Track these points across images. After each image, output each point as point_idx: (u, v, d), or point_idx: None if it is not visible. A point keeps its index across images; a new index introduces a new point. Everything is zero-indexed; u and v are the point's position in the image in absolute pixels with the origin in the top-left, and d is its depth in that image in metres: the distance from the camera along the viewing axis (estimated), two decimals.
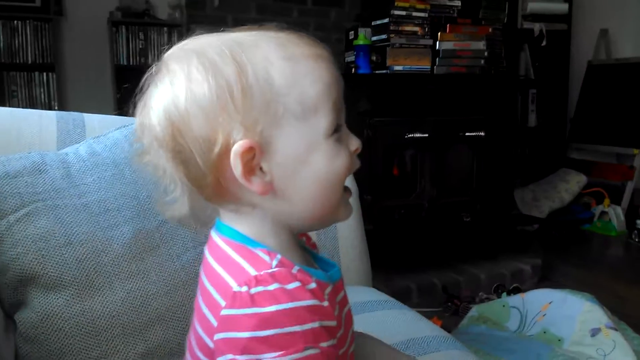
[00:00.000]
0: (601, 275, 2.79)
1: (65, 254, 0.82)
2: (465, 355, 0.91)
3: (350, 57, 2.76)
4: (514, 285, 2.53)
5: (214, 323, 0.52)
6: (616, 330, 1.76)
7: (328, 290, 0.55)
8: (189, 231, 0.94)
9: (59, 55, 3.32)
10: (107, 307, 0.83)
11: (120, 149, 0.96)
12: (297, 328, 0.48)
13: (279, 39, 0.55)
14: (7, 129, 1.00)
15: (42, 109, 3.15)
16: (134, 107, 0.57)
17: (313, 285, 0.51)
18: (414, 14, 2.64)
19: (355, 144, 0.57)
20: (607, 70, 3.91)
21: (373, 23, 2.71)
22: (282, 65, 0.53)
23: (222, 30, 0.57)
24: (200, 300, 0.57)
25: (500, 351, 1.74)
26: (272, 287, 0.49)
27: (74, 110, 1.17)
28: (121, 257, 0.86)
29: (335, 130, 0.55)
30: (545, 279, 2.77)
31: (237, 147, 0.51)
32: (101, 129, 1.05)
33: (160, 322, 0.86)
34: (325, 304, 0.51)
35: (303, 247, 0.62)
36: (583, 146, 3.94)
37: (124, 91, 3.33)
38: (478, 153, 2.77)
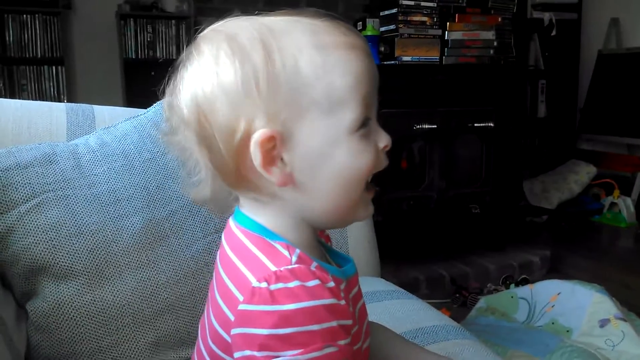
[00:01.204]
0: (610, 266, 2.77)
1: (76, 243, 0.83)
2: (474, 344, 0.92)
3: None
4: (523, 276, 2.52)
5: (231, 317, 0.51)
6: (625, 321, 1.76)
7: (342, 286, 0.55)
8: (198, 221, 0.94)
9: (67, 48, 3.34)
10: (117, 297, 0.83)
11: (130, 140, 0.97)
12: (316, 327, 0.47)
13: (312, 26, 0.53)
14: (18, 120, 1.01)
15: (51, 102, 3.17)
16: (165, 87, 0.56)
17: (332, 283, 0.50)
18: (423, 3, 2.62)
19: (384, 140, 0.55)
20: (618, 60, 3.88)
21: (381, 13, 2.69)
22: (312, 54, 0.51)
23: (258, 14, 0.56)
24: (215, 291, 0.56)
25: (508, 342, 1.74)
26: (293, 284, 0.48)
27: (83, 103, 1.18)
28: (131, 246, 0.87)
29: (363, 125, 0.53)
30: (554, 270, 2.76)
31: (258, 135, 0.50)
32: (111, 120, 1.06)
33: (170, 311, 0.87)
34: (343, 302, 0.50)
35: (318, 240, 0.61)
36: (593, 137, 3.92)
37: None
38: (487, 144, 2.76)
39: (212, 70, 0.51)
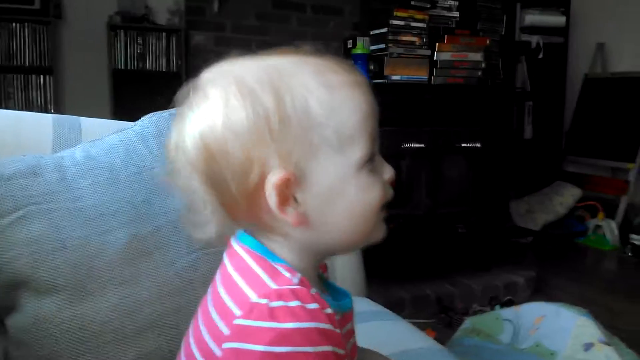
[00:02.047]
0: (595, 289, 2.79)
1: (59, 258, 0.81)
2: None
3: None
4: (508, 297, 2.53)
5: (225, 331, 0.51)
6: (609, 345, 1.76)
7: (336, 318, 0.54)
8: (184, 237, 0.93)
9: (56, 58, 3.32)
10: (99, 313, 0.82)
11: (116, 154, 0.96)
12: (311, 349, 0.47)
13: (317, 66, 0.54)
14: (2, 130, 1.00)
15: (38, 112, 3.14)
16: (169, 127, 0.56)
17: (329, 310, 0.51)
18: (413, 24, 2.65)
19: (388, 172, 0.57)
20: (603, 84, 3.94)
21: (371, 32, 2.72)
22: (320, 94, 0.52)
23: (258, 54, 0.56)
24: (210, 305, 0.56)
25: None
26: (293, 303, 0.49)
27: (70, 114, 1.16)
28: (115, 262, 0.85)
29: (370, 160, 0.54)
30: (539, 292, 2.77)
31: (273, 177, 0.50)
32: (98, 133, 1.05)
33: (152, 328, 0.85)
34: (338, 331, 0.51)
35: (318, 274, 0.61)
36: (578, 159, 3.96)
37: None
38: (474, 164, 2.78)
39: (221, 112, 0.52)
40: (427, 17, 2.68)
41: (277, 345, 0.47)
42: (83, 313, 0.81)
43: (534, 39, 3.78)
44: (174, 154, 0.55)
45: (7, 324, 0.80)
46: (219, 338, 0.52)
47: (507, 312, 2.05)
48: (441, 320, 2.33)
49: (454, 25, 2.76)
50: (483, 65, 2.76)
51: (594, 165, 3.88)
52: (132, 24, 3.39)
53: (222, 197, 0.53)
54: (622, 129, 3.66)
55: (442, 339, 2.06)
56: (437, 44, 2.67)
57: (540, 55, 3.79)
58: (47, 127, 1.06)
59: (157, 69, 3.45)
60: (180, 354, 0.62)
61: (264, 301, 0.49)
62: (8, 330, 0.80)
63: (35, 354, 0.78)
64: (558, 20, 3.86)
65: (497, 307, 2.37)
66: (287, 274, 0.52)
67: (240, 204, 0.52)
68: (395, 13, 2.60)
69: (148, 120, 1.04)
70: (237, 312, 0.51)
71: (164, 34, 3.46)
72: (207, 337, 0.54)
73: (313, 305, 0.49)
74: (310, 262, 0.57)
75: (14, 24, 3.16)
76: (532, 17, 3.76)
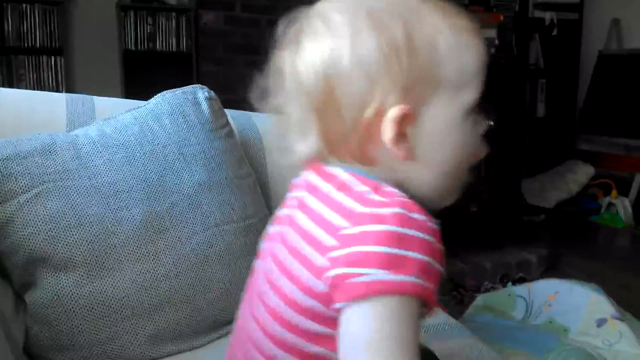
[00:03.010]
0: (607, 266, 2.78)
1: (76, 235, 0.82)
2: (475, 343, 0.91)
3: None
4: (520, 275, 2.53)
5: (331, 242, 0.49)
6: (622, 320, 1.76)
7: None
8: (199, 214, 0.94)
9: (67, 39, 3.32)
10: (116, 289, 0.83)
11: (131, 132, 0.96)
12: (418, 256, 0.47)
13: (441, 7, 0.54)
14: (17, 110, 1.00)
15: (51, 92, 3.16)
16: (271, 48, 0.56)
17: (434, 225, 0.51)
18: None
19: (483, 126, 0.57)
20: (618, 61, 3.87)
21: None
22: (447, 33, 0.52)
23: None
24: (296, 242, 0.54)
25: (505, 340, 1.74)
26: (399, 209, 0.49)
27: (82, 94, 1.16)
28: (131, 238, 0.86)
29: (474, 108, 0.55)
30: (551, 269, 2.76)
31: (395, 111, 0.50)
32: (111, 112, 1.05)
33: (169, 304, 0.86)
34: (440, 247, 0.51)
35: None
36: (592, 137, 3.92)
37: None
38: (486, 142, 2.76)
39: (349, 41, 0.51)
40: None
41: (384, 246, 0.46)
42: (101, 289, 0.82)
43: (548, 16, 3.72)
44: (281, 77, 0.55)
45: (27, 300, 0.82)
46: (325, 250, 0.50)
47: (520, 289, 2.05)
48: (453, 297, 2.34)
49: (467, 2, 2.72)
50: (497, 42, 2.72)
51: (608, 143, 3.83)
52: (142, 4, 3.38)
53: (328, 127, 0.53)
54: (637, 106, 3.61)
55: (453, 316, 2.06)
56: None
57: (554, 32, 3.74)
58: (61, 106, 1.06)
59: (168, 49, 3.44)
60: (239, 334, 0.61)
61: (368, 210, 0.49)
62: (28, 307, 0.81)
63: (55, 329, 0.80)
64: None
65: (509, 284, 2.37)
66: (394, 190, 0.52)
67: (349, 136, 0.52)
68: None
69: (161, 99, 1.04)
70: (344, 224, 0.50)
71: (173, 13, 3.44)
72: (301, 273, 0.52)
73: (418, 216, 0.49)
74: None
75: (24, 5, 3.15)
76: None
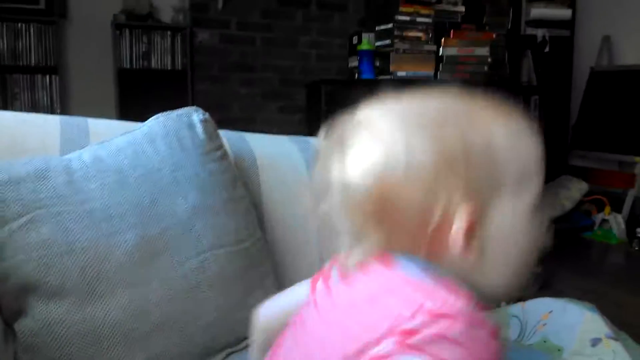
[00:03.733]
0: (602, 283, 2.78)
1: (67, 261, 0.82)
2: None
3: (353, 62, 2.76)
4: None
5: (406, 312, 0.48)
6: (617, 340, 1.75)
7: None
8: (192, 238, 0.94)
9: (62, 58, 3.33)
10: (108, 315, 0.82)
11: (124, 155, 0.96)
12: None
13: (491, 109, 0.54)
14: (11, 133, 1.00)
15: (44, 111, 3.16)
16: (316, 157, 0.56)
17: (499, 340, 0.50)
18: (418, 19, 2.64)
19: (547, 218, 0.56)
20: (610, 77, 3.91)
21: (377, 28, 2.71)
22: (504, 134, 0.52)
23: (416, 95, 0.56)
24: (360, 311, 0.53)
25: None
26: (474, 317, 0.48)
27: (76, 113, 1.17)
28: (124, 264, 0.86)
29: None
30: (546, 287, 2.76)
31: (462, 223, 0.50)
32: (105, 134, 1.05)
33: (161, 330, 0.86)
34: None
35: None
36: (585, 153, 3.94)
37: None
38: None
39: (403, 150, 0.50)
40: (432, 12, 2.67)
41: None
42: (92, 316, 0.81)
43: (540, 33, 3.75)
44: (331, 189, 0.54)
45: (16, 329, 0.81)
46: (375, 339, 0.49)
47: (514, 309, 2.04)
48: None
49: (459, 20, 2.75)
50: (489, 60, 2.75)
51: (601, 159, 3.85)
52: (136, 23, 3.39)
53: (391, 234, 0.52)
54: (629, 122, 3.64)
55: None
56: (442, 39, 2.66)
57: (546, 49, 3.77)
58: (54, 129, 1.06)
59: (163, 67, 3.45)
60: None
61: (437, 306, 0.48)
62: (17, 335, 0.80)
63: (45, 357, 0.79)
64: (564, 13, 3.83)
65: (504, 303, 2.37)
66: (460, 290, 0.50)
67: (415, 241, 0.51)
68: (400, 8, 2.59)
69: (156, 122, 1.04)
70: (406, 313, 0.48)
71: (168, 32, 3.46)
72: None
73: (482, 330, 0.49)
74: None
75: (19, 24, 3.17)
76: (538, 11, 3.73)
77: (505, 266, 0.54)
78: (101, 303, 0.82)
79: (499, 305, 2.27)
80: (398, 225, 0.51)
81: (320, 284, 0.60)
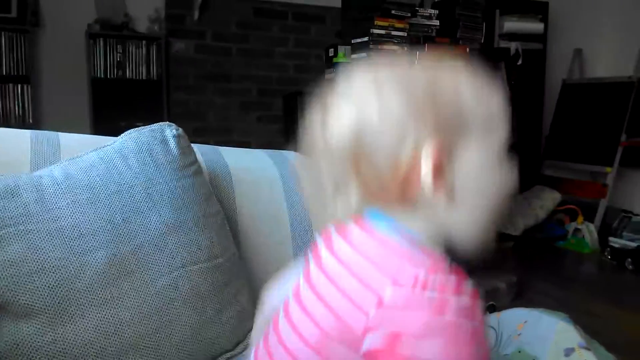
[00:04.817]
0: (575, 292, 2.82)
1: (37, 280, 0.80)
2: None
3: (330, 74, 2.77)
4: (490, 303, 2.54)
5: (374, 300, 0.52)
6: (589, 350, 1.78)
7: None
8: (165, 255, 0.93)
9: (34, 67, 3.28)
10: (79, 335, 0.81)
11: (96, 172, 0.95)
12: (467, 322, 0.51)
13: (456, 66, 0.58)
14: None
15: (16, 121, 3.10)
16: (303, 119, 0.60)
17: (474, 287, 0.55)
18: (393, 32, 2.66)
19: (514, 166, 0.60)
20: (581, 89, 3.99)
21: (353, 41, 2.72)
22: (469, 83, 0.57)
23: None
24: (339, 284, 0.57)
25: None
26: (450, 278, 0.53)
27: (49, 123, 1.15)
28: (95, 283, 0.84)
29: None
30: (520, 297, 2.79)
31: (428, 152, 0.54)
32: (77, 149, 1.04)
33: (134, 349, 0.85)
34: None
35: None
36: (557, 163, 4.01)
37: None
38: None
39: (376, 101, 0.55)
40: (407, 25, 2.69)
41: (439, 315, 0.50)
42: (63, 336, 0.80)
43: (513, 46, 3.82)
44: (317, 142, 0.59)
45: None
46: (369, 303, 0.53)
47: (490, 319, 2.06)
48: None
49: (434, 34, 2.78)
50: None
51: (573, 169, 3.93)
52: (111, 32, 3.37)
53: (367, 180, 0.56)
54: (600, 133, 3.72)
55: None
56: (417, 52, 2.68)
57: (519, 62, 3.84)
58: (25, 144, 1.05)
59: (137, 77, 3.43)
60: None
61: (422, 274, 0.52)
62: None
63: None
64: (536, 27, 3.91)
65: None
66: (437, 254, 0.56)
67: (388, 184, 0.55)
68: (375, 22, 2.61)
69: (128, 137, 1.03)
70: (388, 282, 0.52)
71: (144, 41, 3.44)
72: (348, 303, 0.55)
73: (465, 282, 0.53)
74: (441, 246, 0.59)
75: None
76: (511, 24, 3.80)
77: (475, 210, 0.58)
78: (72, 323, 0.81)
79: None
80: (374, 172, 0.55)
81: (311, 257, 0.63)
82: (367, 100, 0.56)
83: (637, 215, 3.56)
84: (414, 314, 0.50)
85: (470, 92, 0.56)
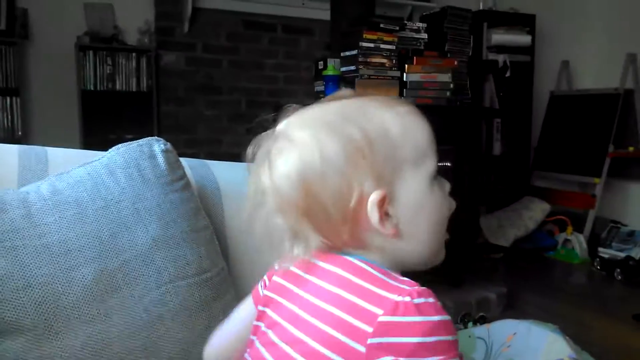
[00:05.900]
0: (565, 303, 2.83)
1: (24, 297, 0.80)
2: None
3: (319, 87, 2.79)
4: (480, 314, 2.55)
5: (368, 329, 0.55)
6: None
7: None
8: (153, 271, 0.92)
9: (23, 79, 3.27)
10: (66, 352, 0.80)
11: (83, 187, 0.95)
12: (451, 337, 0.54)
13: (379, 101, 0.63)
14: None
15: (5, 134, 3.09)
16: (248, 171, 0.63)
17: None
18: (382, 46, 2.68)
19: (448, 185, 0.66)
20: (569, 101, 4.03)
21: (342, 54, 2.74)
22: (394, 120, 0.61)
23: (319, 102, 0.65)
24: (328, 307, 0.59)
25: None
26: (431, 299, 0.55)
27: (38, 136, 1.15)
28: (82, 299, 0.84)
29: (436, 174, 0.63)
30: (511, 307, 2.80)
31: (374, 196, 0.58)
32: (65, 164, 1.03)
33: None
34: None
35: None
36: (546, 174, 4.04)
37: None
38: (452, 197, 2.80)
39: (316, 149, 0.59)
40: (396, 39, 2.71)
41: (429, 336, 0.53)
42: (50, 353, 0.79)
43: (501, 58, 3.86)
44: (261, 197, 0.62)
45: None
46: (360, 336, 0.55)
47: (479, 330, 2.06)
48: None
49: (422, 47, 2.80)
50: (452, 85, 2.80)
51: (562, 180, 3.95)
52: (101, 44, 3.37)
53: (320, 226, 0.59)
54: (588, 144, 3.75)
55: None
56: (406, 65, 2.70)
57: (508, 74, 3.87)
58: (12, 159, 1.05)
59: (127, 89, 3.43)
60: None
61: (407, 299, 0.55)
62: None
63: None
64: (524, 39, 3.95)
65: (470, 324, 2.39)
66: (406, 279, 0.59)
67: (341, 228, 0.59)
68: (364, 35, 2.63)
69: (115, 152, 1.03)
70: (378, 311, 0.55)
71: (133, 54, 3.44)
72: (339, 336, 0.57)
73: (439, 302, 0.56)
74: (399, 270, 0.63)
75: None
76: (499, 37, 3.84)
77: (423, 236, 0.62)
78: (58, 339, 0.80)
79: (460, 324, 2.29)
80: (325, 216, 0.59)
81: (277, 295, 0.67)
82: (309, 145, 0.59)
83: (625, 225, 3.59)
84: (403, 339, 0.53)
85: (398, 130, 0.60)
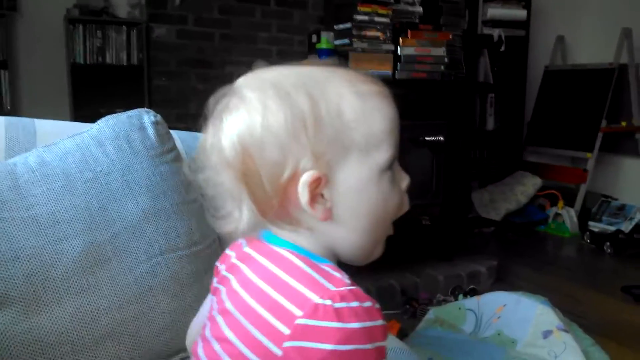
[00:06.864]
0: (554, 276, 2.87)
1: (12, 269, 0.80)
2: None
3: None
4: (471, 286, 2.57)
5: (285, 331, 0.52)
6: (567, 332, 1.81)
7: None
8: (142, 243, 0.92)
9: (12, 52, 3.23)
10: (56, 324, 0.81)
11: (72, 159, 0.94)
12: (370, 346, 0.51)
13: (347, 76, 0.58)
14: None
15: None
16: (200, 127, 0.60)
17: (377, 305, 0.54)
18: (376, 19, 2.65)
19: (406, 180, 0.61)
20: (563, 76, 4.02)
21: (336, 27, 2.71)
22: (352, 100, 0.56)
23: (290, 63, 0.60)
24: (255, 304, 0.56)
25: (456, 354, 1.77)
26: (354, 304, 0.52)
27: (28, 110, 1.14)
28: (71, 271, 0.84)
29: (390, 167, 0.58)
30: (501, 280, 2.83)
31: (307, 177, 0.54)
32: (53, 136, 1.02)
33: (111, 337, 0.84)
34: (385, 323, 0.54)
35: None
36: (539, 149, 4.04)
37: None
38: (438, 157, 2.81)
39: (260, 114, 0.55)
40: (390, 12, 2.68)
41: (344, 344, 0.50)
42: (39, 325, 0.80)
43: (496, 32, 3.83)
44: (209, 153, 0.58)
45: None
46: (277, 337, 0.53)
47: (470, 302, 2.09)
48: (406, 312, 2.36)
49: (417, 20, 2.77)
50: (446, 59, 2.78)
51: (554, 155, 3.97)
52: (91, 17, 3.31)
53: (254, 194, 0.56)
54: (581, 120, 3.75)
55: (406, 330, 2.09)
56: (400, 38, 2.68)
57: (502, 48, 3.85)
58: None
59: (118, 63, 3.39)
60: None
61: (328, 302, 0.51)
62: None
63: None
64: (519, 13, 3.92)
65: (460, 296, 2.42)
66: (337, 274, 0.55)
67: (272, 199, 0.55)
68: (358, 8, 2.60)
69: (105, 124, 1.02)
70: (297, 312, 0.52)
71: (124, 27, 3.40)
72: (260, 336, 0.54)
73: (368, 304, 0.53)
74: (333, 258, 0.60)
75: None
76: (494, 11, 3.81)
77: (358, 226, 0.58)
78: (48, 311, 0.81)
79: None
80: (260, 184, 0.55)
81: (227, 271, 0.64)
82: (254, 113, 0.55)
83: (616, 199, 3.61)
84: (316, 345, 0.50)
85: (353, 112, 0.56)
